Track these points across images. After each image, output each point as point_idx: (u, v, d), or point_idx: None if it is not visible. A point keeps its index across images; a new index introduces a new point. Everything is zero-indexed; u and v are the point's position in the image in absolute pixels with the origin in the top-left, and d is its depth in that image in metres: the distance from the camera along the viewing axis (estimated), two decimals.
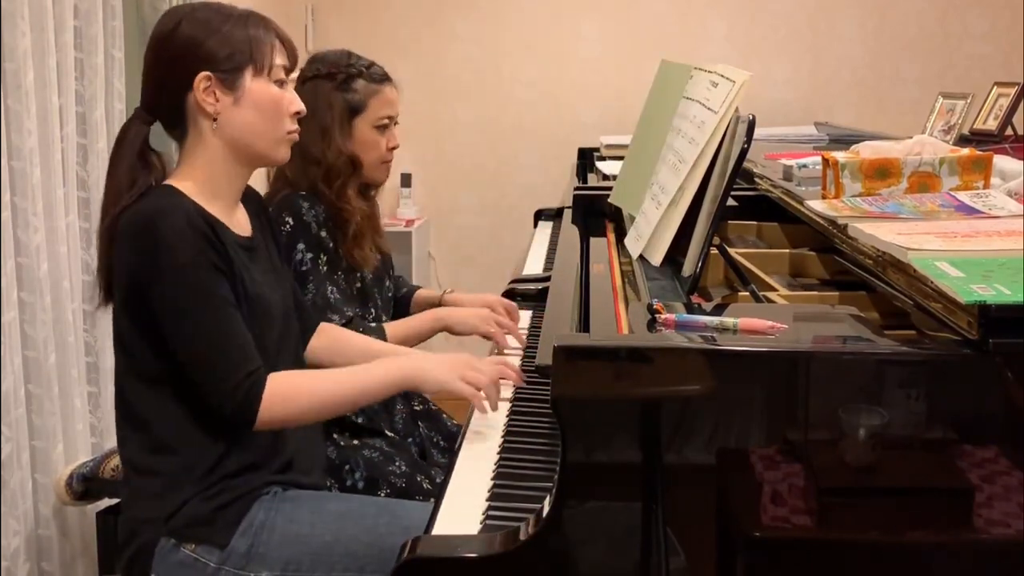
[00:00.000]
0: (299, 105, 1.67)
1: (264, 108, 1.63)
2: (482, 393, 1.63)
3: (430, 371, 1.63)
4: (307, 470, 1.72)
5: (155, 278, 1.53)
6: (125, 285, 1.57)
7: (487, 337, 2.10)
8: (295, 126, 1.68)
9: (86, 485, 2.33)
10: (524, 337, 2.14)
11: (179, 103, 1.62)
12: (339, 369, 1.68)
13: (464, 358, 1.67)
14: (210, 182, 1.63)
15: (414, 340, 2.12)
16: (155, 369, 1.58)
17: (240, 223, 1.69)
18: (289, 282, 1.82)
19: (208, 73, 1.59)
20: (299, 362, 1.80)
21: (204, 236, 1.55)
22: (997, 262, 1.27)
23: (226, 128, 1.61)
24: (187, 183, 1.61)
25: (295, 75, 1.79)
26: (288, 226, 2.01)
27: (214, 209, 1.61)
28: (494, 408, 1.65)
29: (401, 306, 2.35)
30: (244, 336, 1.56)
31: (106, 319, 2.64)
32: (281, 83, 1.65)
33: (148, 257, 1.53)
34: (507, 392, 1.78)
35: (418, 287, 2.45)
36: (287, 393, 1.56)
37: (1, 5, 2.20)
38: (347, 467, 2.00)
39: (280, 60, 1.65)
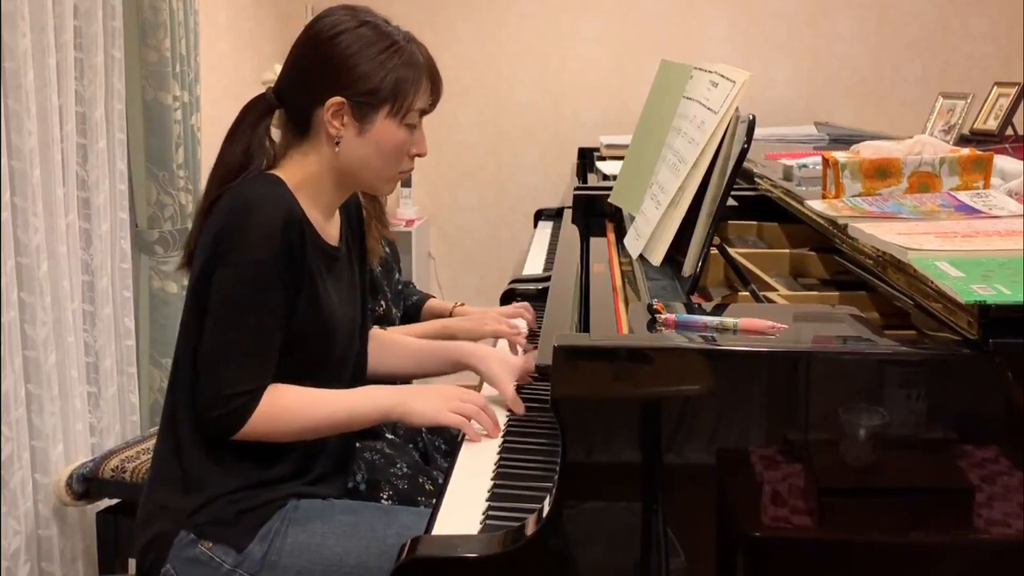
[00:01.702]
0: (422, 148, 1.66)
1: (385, 149, 1.61)
2: (474, 422, 1.63)
3: (417, 405, 1.62)
4: (331, 482, 1.73)
5: (225, 262, 1.52)
6: (202, 257, 1.56)
7: (498, 336, 2.11)
8: (411, 165, 1.67)
9: (86, 485, 2.34)
10: (523, 338, 2.14)
11: (308, 110, 1.60)
12: (330, 392, 1.65)
13: (451, 389, 1.67)
14: (313, 188, 1.62)
15: None
16: None
17: (331, 232, 1.68)
18: (365, 299, 1.81)
19: (342, 100, 1.57)
20: (356, 378, 1.78)
21: (288, 240, 1.53)
22: (997, 262, 1.27)
23: (344, 155, 1.60)
24: (292, 179, 1.60)
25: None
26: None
27: (310, 212, 1.60)
28: (492, 435, 1.63)
29: (412, 314, 2.35)
30: (271, 353, 1.55)
31: (106, 319, 2.66)
32: (412, 126, 1.63)
33: (229, 239, 1.52)
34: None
35: (430, 295, 2.46)
36: (274, 413, 1.55)
37: (1, 5, 2.20)
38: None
39: (421, 104, 1.62)
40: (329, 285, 1.64)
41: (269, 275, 1.53)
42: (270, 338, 1.55)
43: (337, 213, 1.71)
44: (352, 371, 1.74)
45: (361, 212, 1.85)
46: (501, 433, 1.65)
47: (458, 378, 2.01)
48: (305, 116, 1.61)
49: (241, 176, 1.59)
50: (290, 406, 1.58)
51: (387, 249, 2.23)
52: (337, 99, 1.57)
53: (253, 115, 1.64)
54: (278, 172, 1.61)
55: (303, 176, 1.61)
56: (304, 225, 1.57)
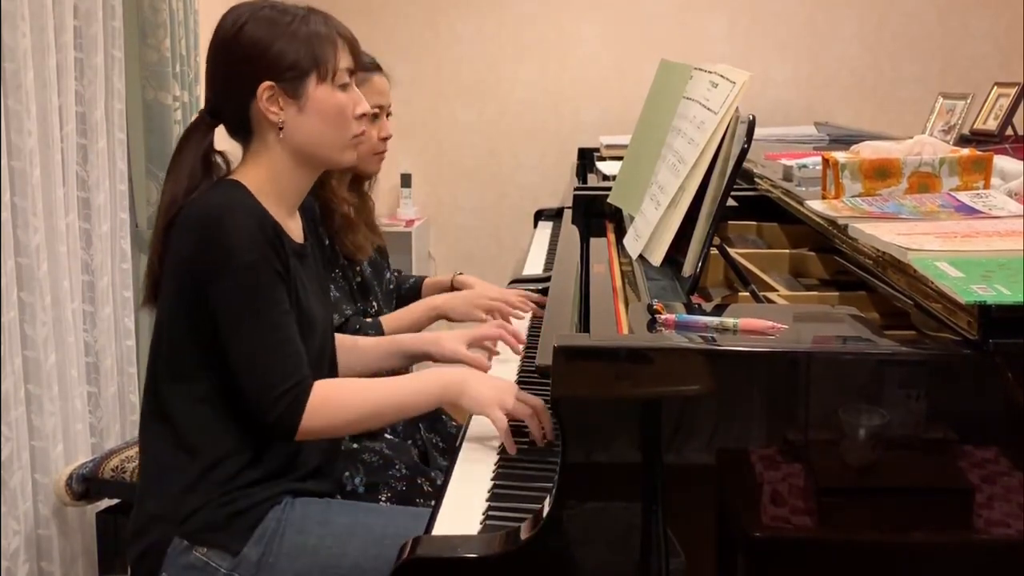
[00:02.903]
0: (364, 106, 1.65)
1: (329, 115, 1.60)
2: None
3: (472, 389, 1.60)
4: (325, 478, 1.73)
5: (217, 275, 1.51)
6: (181, 279, 1.55)
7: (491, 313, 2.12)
8: (361, 128, 1.65)
9: (86, 485, 2.33)
10: (523, 334, 2.14)
11: (243, 110, 1.60)
12: (383, 379, 1.68)
13: (510, 385, 1.64)
14: (274, 185, 1.62)
15: (411, 330, 2.11)
16: (193, 367, 1.57)
17: (295, 230, 1.68)
18: (330, 295, 1.81)
19: (271, 83, 1.57)
20: (333, 373, 1.78)
21: (269, 239, 1.54)
22: (997, 262, 1.26)
23: (291, 136, 1.60)
24: (251, 182, 1.60)
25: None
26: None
27: (274, 212, 1.60)
28: (538, 440, 1.59)
29: (411, 296, 2.35)
30: (297, 344, 1.55)
31: (106, 319, 2.66)
32: (345, 86, 1.62)
33: (212, 252, 1.51)
34: (511, 368, 1.79)
35: (425, 276, 2.45)
36: (331, 403, 1.55)
37: (1, 5, 2.20)
38: (347, 473, 1.99)
39: (344, 63, 1.62)
40: (305, 282, 1.64)
41: (266, 272, 1.53)
42: (291, 330, 1.55)
43: (297, 213, 1.71)
44: (328, 369, 1.74)
45: (316, 211, 1.85)
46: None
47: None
48: (243, 117, 1.61)
49: (188, 198, 1.58)
50: (346, 394, 1.59)
51: (376, 251, 2.23)
52: (266, 84, 1.57)
53: (194, 139, 1.63)
54: (235, 177, 1.61)
55: (262, 177, 1.61)
56: (273, 225, 1.57)
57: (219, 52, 1.62)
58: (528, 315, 2.24)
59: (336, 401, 1.56)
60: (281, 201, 1.63)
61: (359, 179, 2.22)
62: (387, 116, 2.19)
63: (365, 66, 2.13)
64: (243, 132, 1.63)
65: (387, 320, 2.12)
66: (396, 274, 2.42)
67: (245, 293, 1.52)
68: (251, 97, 1.58)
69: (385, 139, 2.18)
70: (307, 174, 1.66)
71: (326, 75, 1.60)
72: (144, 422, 1.65)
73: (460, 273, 2.35)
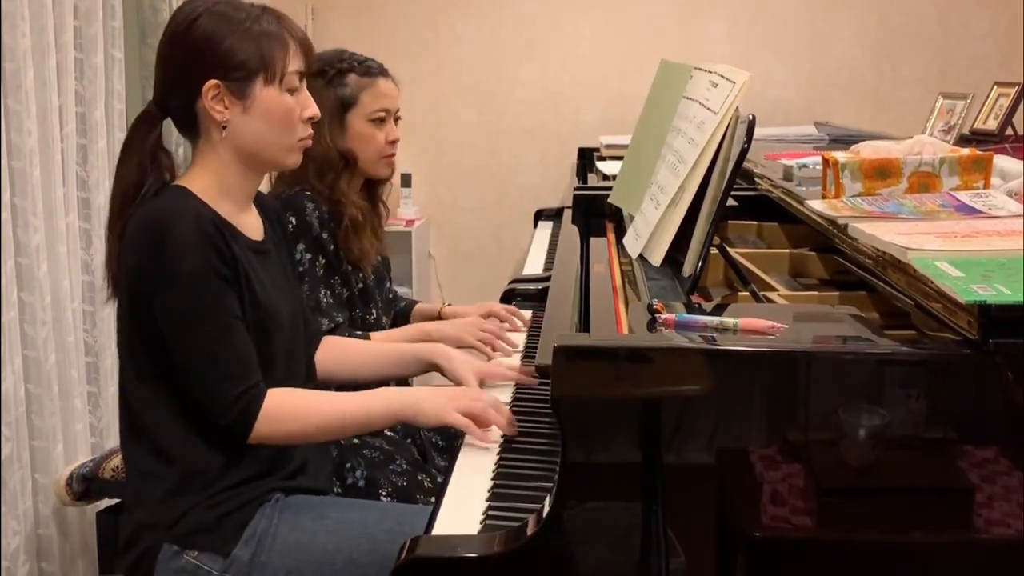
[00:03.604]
0: (313, 110, 1.64)
1: (274, 118, 1.60)
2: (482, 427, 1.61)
3: (426, 406, 1.61)
4: (314, 475, 1.72)
5: (160, 286, 1.51)
6: (130, 290, 1.56)
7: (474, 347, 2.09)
8: (308, 131, 1.65)
9: (86, 485, 2.33)
10: (519, 341, 2.13)
11: (189, 106, 1.59)
12: (339, 394, 1.68)
13: (459, 390, 1.68)
14: (221, 184, 1.61)
15: None
16: (157, 374, 1.57)
17: (251, 226, 1.67)
18: (300, 290, 1.81)
19: (216, 82, 1.56)
20: (310, 369, 1.79)
21: (212, 243, 1.53)
22: (997, 262, 1.26)
23: (235, 136, 1.59)
24: (197, 184, 1.60)
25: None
26: (291, 225, 2.00)
27: (224, 210, 1.60)
28: (509, 432, 1.60)
29: (399, 320, 2.35)
30: (245, 349, 1.55)
31: (106, 319, 2.66)
32: (294, 90, 1.61)
33: (154, 264, 1.52)
34: (507, 394, 1.78)
35: (417, 301, 2.45)
36: (284, 413, 1.56)
37: (1, 5, 2.20)
38: (348, 465, 2.00)
39: (294, 66, 1.60)
40: (264, 279, 1.63)
41: (207, 279, 1.52)
42: (239, 336, 1.55)
43: (254, 209, 1.70)
44: (305, 367, 1.73)
45: (281, 210, 1.84)
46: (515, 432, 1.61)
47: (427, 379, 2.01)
48: (189, 114, 1.60)
49: (141, 194, 1.58)
50: (300, 405, 1.59)
51: (379, 258, 2.23)
52: (211, 83, 1.56)
53: (141, 131, 1.62)
54: (181, 182, 1.61)
55: (208, 177, 1.61)
56: (222, 226, 1.56)
57: (169, 45, 1.61)
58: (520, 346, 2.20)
59: (289, 410, 1.57)
60: (229, 199, 1.62)
61: (371, 184, 2.22)
62: (396, 120, 2.20)
63: (367, 71, 2.14)
64: (189, 128, 1.62)
65: (377, 337, 2.11)
66: (394, 292, 2.42)
67: (188, 302, 1.52)
68: (197, 95, 1.57)
69: (393, 142, 2.18)
70: (253, 173, 1.66)
71: (274, 77, 1.58)
72: (122, 430, 1.65)
73: (448, 304, 2.35)
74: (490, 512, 1.40)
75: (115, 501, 2.41)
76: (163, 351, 1.54)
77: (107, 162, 2.66)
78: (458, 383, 1.79)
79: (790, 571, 1.24)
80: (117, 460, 2.33)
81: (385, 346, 1.97)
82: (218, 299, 1.53)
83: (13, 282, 2.28)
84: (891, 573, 1.24)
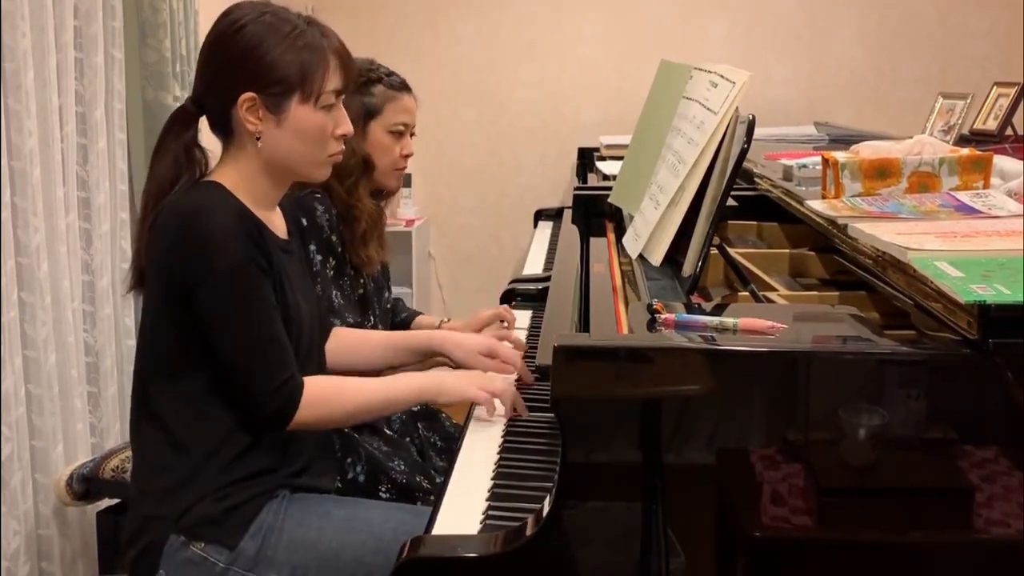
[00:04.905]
0: (346, 127, 1.65)
1: (306, 135, 1.61)
2: (497, 402, 1.69)
3: (448, 383, 1.69)
4: (318, 475, 1.73)
5: (203, 279, 1.52)
6: (167, 282, 1.56)
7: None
8: (339, 148, 1.66)
9: (86, 485, 2.34)
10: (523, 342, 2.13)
11: (224, 111, 1.60)
12: (368, 379, 1.72)
13: (481, 372, 1.76)
14: (251, 185, 1.62)
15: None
16: (180, 365, 1.58)
17: (278, 225, 1.69)
18: (315, 292, 1.82)
19: (252, 95, 1.57)
20: (322, 368, 1.80)
21: (251, 237, 1.54)
22: (997, 262, 1.27)
23: (266, 147, 1.60)
24: (228, 181, 1.61)
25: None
26: (302, 226, 2.01)
27: (253, 209, 1.61)
28: (520, 414, 1.69)
29: (400, 329, 2.34)
30: (285, 339, 1.58)
31: (106, 319, 2.66)
32: (330, 107, 1.62)
33: (196, 256, 1.52)
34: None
35: (419, 312, 2.45)
36: (322, 398, 1.60)
37: (1, 5, 2.20)
38: (349, 460, 2.00)
39: (332, 85, 1.61)
40: (292, 278, 1.65)
41: (249, 272, 1.54)
42: (278, 326, 1.58)
43: (278, 209, 1.72)
44: (316, 365, 1.75)
45: (298, 211, 1.85)
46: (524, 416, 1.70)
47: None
48: (225, 118, 1.61)
49: (175, 188, 1.59)
50: (335, 391, 1.64)
51: (379, 267, 2.23)
52: (248, 95, 1.57)
53: (177, 127, 1.63)
54: (214, 177, 1.62)
55: (238, 177, 1.62)
56: (256, 223, 1.58)
57: (212, 48, 1.62)
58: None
59: (326, 396, 1.62)
60: (258, 201, 1.63)
61: (377, 195, 2.22)
62: (411, 135, 2.21)
63: (393, 85, 2.16)
64: (223, 130, 1.63)
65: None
66: (395, 301, 2.42)
67: (232, 293, 1.53)
68: (233, 103, 1.58)
69: (407, 156, 2.20)
70: (281, 183, 1.68)
71: (310, 96, 1.59)
72: (134, 423, 1.66)
73: (447, 320, 2.35)
74: (490, 512, 1.40)
75: (115, 501, 2.41)
76: (196, 344, 1.55)
77: (107, 162, 2.66)
78: (466, 366, 1.84)
79: (790, 571, 1.24)
80: (117, 460, 2.33)
81: (391, 334, 2.01)
82: (261, 290, 1.55)
83: (13, 282, 2.28)
84: (891, 573, 1.24)
